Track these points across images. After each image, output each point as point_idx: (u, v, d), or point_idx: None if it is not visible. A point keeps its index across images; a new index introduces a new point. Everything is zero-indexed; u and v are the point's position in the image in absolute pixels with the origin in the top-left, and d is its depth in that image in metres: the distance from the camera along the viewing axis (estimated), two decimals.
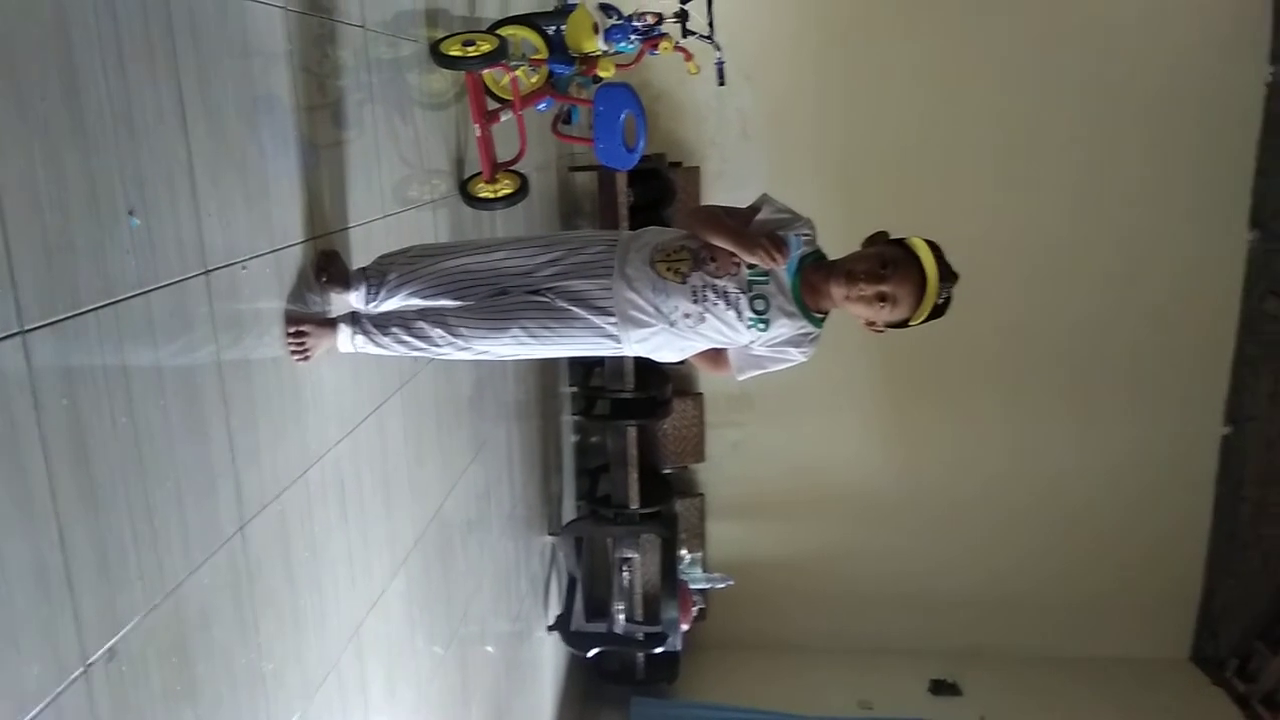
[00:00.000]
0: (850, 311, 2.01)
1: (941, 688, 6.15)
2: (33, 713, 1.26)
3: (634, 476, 5.25)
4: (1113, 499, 6.15)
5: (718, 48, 3.80)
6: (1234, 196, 5.70)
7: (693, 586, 5.70)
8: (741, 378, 2.16)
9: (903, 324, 1.97)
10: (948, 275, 1.90)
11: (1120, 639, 6.37)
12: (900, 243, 1.96)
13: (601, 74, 3.37)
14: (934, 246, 1.93)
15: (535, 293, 2.09)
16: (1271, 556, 5.78)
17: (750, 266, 1.99)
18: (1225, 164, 5.65)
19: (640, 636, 5.34)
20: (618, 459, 5.27)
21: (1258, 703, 5.68)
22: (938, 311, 1.92)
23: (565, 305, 2.07)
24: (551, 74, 3.36)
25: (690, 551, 5.92)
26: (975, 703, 5.97)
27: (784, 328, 2.03)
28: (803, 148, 5.85)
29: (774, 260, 1.91)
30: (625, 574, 5.31)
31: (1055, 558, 6.27)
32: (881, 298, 1.92)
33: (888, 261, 1.92)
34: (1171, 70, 5.52)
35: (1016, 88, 5.65)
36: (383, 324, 2.12)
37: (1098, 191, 5.74)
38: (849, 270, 1.95)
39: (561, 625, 4.98)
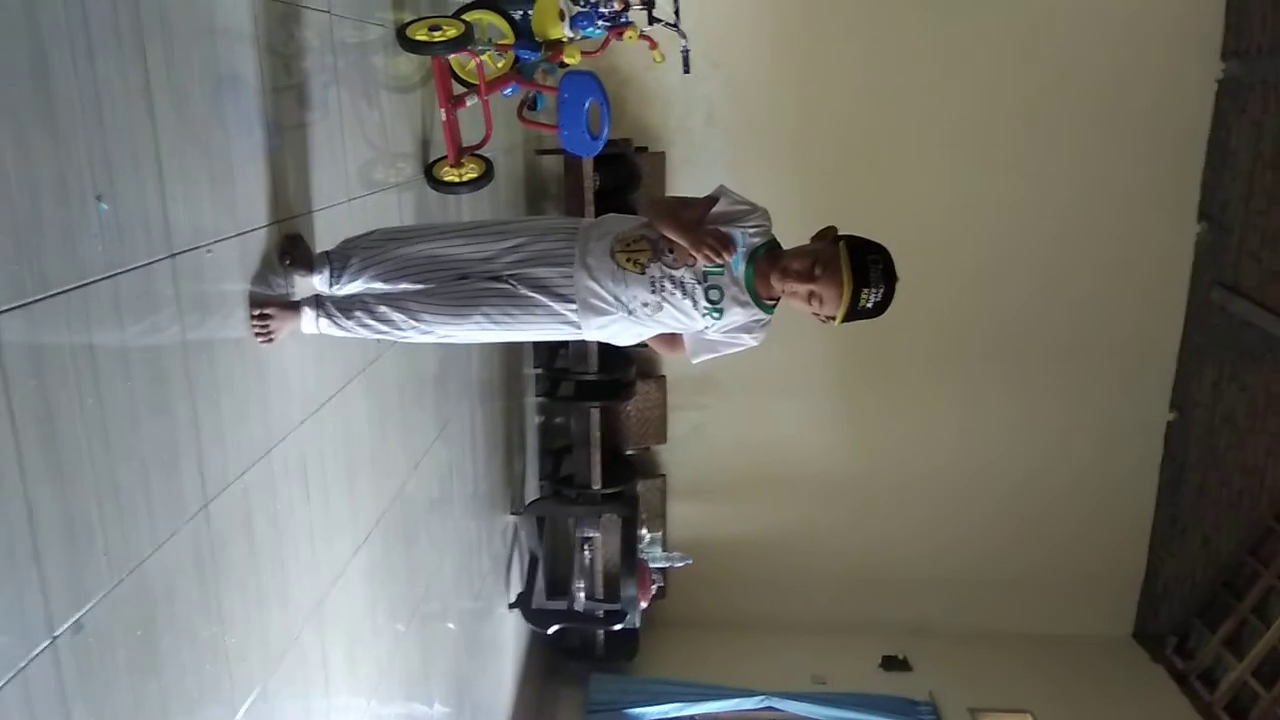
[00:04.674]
0: (789, 304, 2.09)
1: (893, 663, 6.32)
2: (0, 683, 1.30)
3: (597, 457, 5.32)
4: (1061, 481, 6.34)
5: (683, 35, 3.83)
6: (1183, 189, 5.85)
7: (652, 565, 5.79)
8: (696, 360, 2.25)
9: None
10: (880, 279, 1.95)
11: (1066, 617, 6.56)
12: (840, 243, 2.03)
13: (567, 60, 3.39)
14: (871, 247, 1.99)
15: (497, 279, 2.14)
16: (1211, 539, 5.98)
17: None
18: (1175, 157, 5.80)
19: (600, 614, 5.41)
20: (581, 440, 5.32)
21: (1195, 679, 5.87)
22: (866, 313, 1.99)
23: (527, 292, 2.12)
24: (517, 60, 3.38)
25: (650, 531, 6.01)
26: (925, 678, 6.14)
27: (738, 315, 2.11)
28: (768, 135, 5.91)
29: (718, 259, 1.99)
30: (586, 553, 5.37)
31: (1004, 538, 6.45)
32: (811, 295, 2.00)
33: (819, 262, 1.99)
34: (1124, 64, 5.65)
35: (972, 78, 5.75)
36: (346, 307, 2.16)
37: (1051, 182, 5.86)
38: (784, 266, 2.04)
39: (523, 603, 5.04)
